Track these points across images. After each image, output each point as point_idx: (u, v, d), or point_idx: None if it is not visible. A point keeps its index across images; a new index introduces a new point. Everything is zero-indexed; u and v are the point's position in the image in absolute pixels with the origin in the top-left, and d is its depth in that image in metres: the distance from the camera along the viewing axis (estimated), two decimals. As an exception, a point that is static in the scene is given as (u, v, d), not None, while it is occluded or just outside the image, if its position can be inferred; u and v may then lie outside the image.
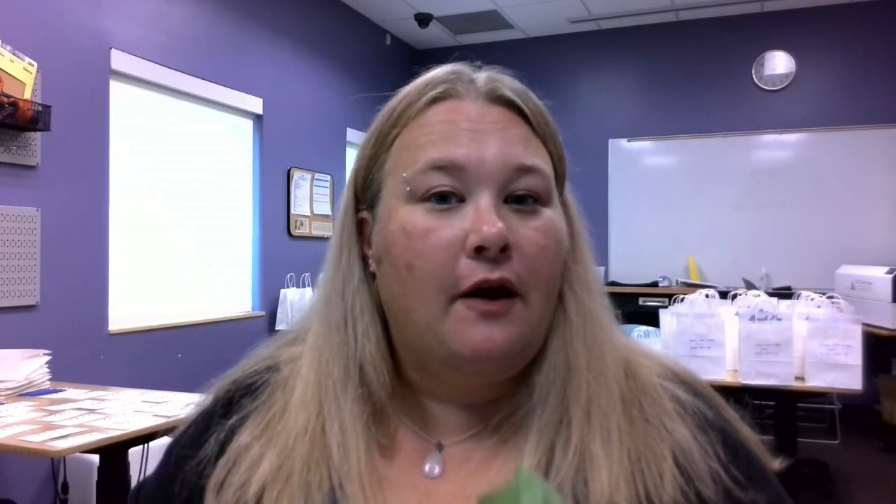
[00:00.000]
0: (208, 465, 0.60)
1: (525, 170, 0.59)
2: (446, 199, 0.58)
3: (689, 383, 0.65)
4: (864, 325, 2.99)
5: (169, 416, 2.19)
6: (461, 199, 0.58)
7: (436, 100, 0.62)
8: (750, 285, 5.31)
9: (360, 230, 0.65)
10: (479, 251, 0.55)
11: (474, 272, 0.55)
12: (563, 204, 0.66)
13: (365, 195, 0.66)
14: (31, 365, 2.63)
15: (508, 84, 0.63)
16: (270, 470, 0.57)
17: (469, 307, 0.55)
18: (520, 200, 0.59)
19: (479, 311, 0.55)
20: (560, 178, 0.65)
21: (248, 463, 0.58)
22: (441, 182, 0.58)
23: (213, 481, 0.59)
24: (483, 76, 0.64)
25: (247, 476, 0.58)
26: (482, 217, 0.56)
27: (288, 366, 0.64)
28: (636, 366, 0.63)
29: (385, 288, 0.61)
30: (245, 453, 0.59)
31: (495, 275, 0.55)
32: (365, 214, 0.65)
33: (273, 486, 0.57)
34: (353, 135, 6.03)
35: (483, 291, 0.56)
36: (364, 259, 0.64)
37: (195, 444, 0.62)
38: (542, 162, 0.61)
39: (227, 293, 4.70)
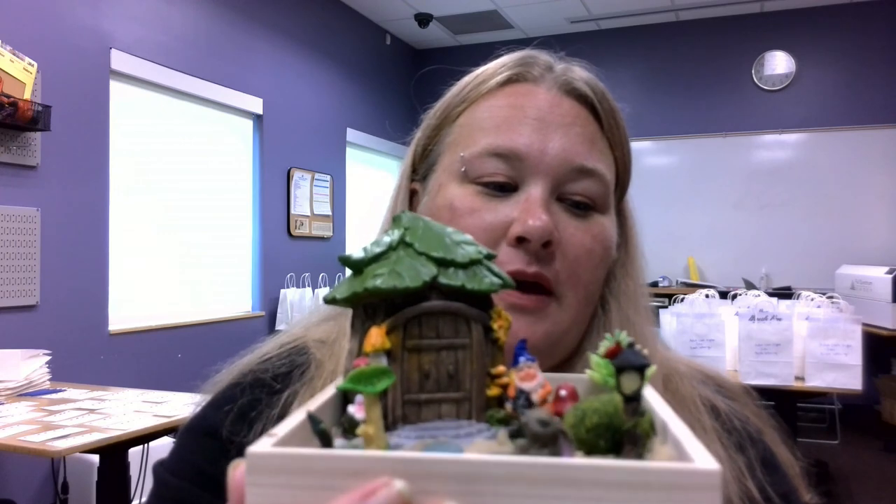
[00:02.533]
0: None
1: (585, 172, 0.57)
2: (499, 188, 0.57)
3: (734, 396, 0.62)
4: (864, 325, 2.99)
5: (169, 416, 2.19)
6: (514, 188, 0.57)
7: (509, 81, 0.60)
8: (750, 285, 5.31)
9: (412, 200, 0.64)
10: (520, 241, 0.54)
11: (511, 261, 0.54)
12: (621, 214, 0.64)
13: (421, 166, 0.64)
14: (31, 365, 2.64)
15: (585, 78, 0.61)
16: None
17: (499, 296, 0.55)
18: (574, 205, 0.57)
19: (509, 302, 0.53)
20: (621, 186, 0.63)
21: None
22: (497, 170, 0.56)
23: None
24: (562, 66, 0.61)
25: None
26: (529, 208, 0.54)
27: (320, 349, 0.61)
28: (677, 378, 0.61)
29: None
30: None
31: (532, 269, 0.54)
32: (417, 186, 0.64)
33: None
34: (353, 135, 6.03)
35: (518, 283, 0.53)
36: None
37: (243, 421, 0.58)
38: (604, 167, 0.58)
39: (227, 293, 4.70)
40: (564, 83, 0.60)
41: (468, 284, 0.33)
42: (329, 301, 0.33)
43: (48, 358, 2.72)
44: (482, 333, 0.34)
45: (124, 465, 2.17)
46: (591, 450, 0.29)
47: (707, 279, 5.96)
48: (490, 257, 0.35)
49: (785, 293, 4.60)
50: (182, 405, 2.36)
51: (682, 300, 3.37)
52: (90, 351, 3.56)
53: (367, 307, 0.34)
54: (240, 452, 0.55)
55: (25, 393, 2.56)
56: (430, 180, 0.62)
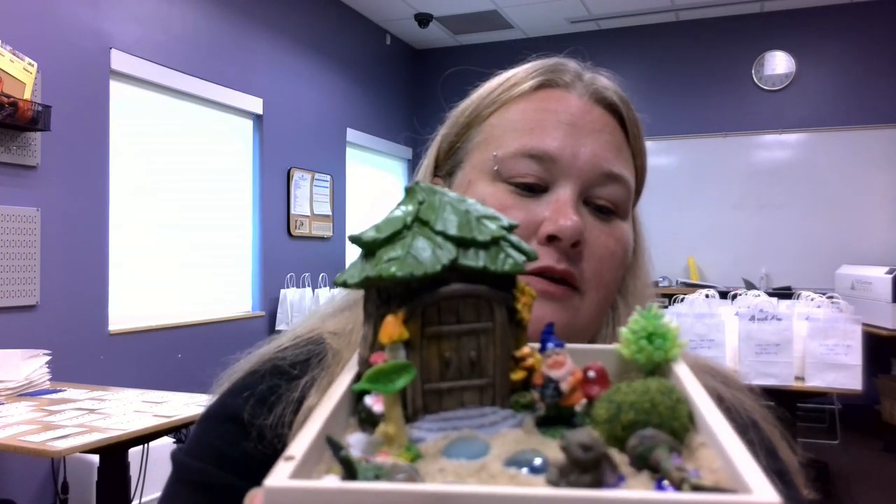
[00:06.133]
0: (285, 426, 0.58)
1: (612, 177, 0.60)
2: (529, 188, 0.59)
3: (739, 389, 0.64)
4: (864, 325, 2.99)
5: (169, 416, 2.19)
6: (544, 189, 0.59)
7: (541, 86, 0.62)
8: (750, 285, 5.31)
9: None
10: (550, 240, 0.56)
11: (542, 258, 0.56)
12: (633, 220, 0.67)
13: (445, 163, 0.66)
14: (31, 365, 2.64)
15: (614, 89, 0.64)
16: None
17: (529, 284, 0.55)
18: (599, 209, 0.60)
19: (539, 289, 0.55)
20: (637, 193, 0.66)
21: None
22: (530, 171, 0.59)
23: (292, 437, 0.55)
24: (589, 74, 0.64)
25: None
26: (560, 209, 0.57)
27: (336, 339, 0.62)
28: None
29: None
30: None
31: (561, 266, 0.56)
32: (440, 181, 0.66)
33: None
34: (353, 135, 6.03)
35: (545, 276, 0.56)
36: None
37: (264, 405, 0.60)
38: (629, 174, 0.62)
39: (227, 293, 4.70)
40: (595, 91, 0.62)
41: (490, 266, 0.31)
42: (339, 285, 0.32)
43: (48, 358, 2.72)
44: (505, 316, 0.32)
45: (124, 465, 2.17)
46: (625, 448, 0.28)
47: (707, 279, 5.96)
48: (512, 228, 0.34)
49: (785, 293, 4.60)
50: (182, 405, 2.36)
51: (682, 300, 3.37)
52: (90, 351, 3.56)
53: (380, 290, 0.33)
54: (260, 435, 0.58)
55: (25, 393, 2.56)
56: (456, 176, 0.64)
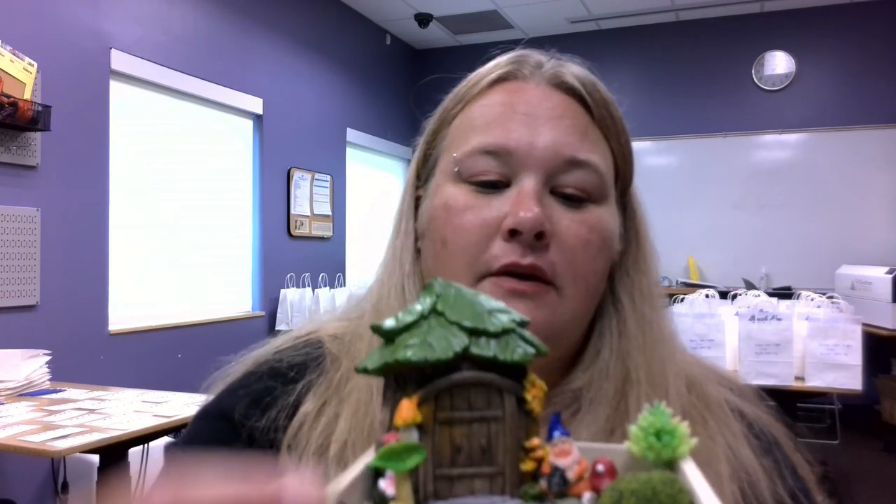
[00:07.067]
0: (278, 430, 0.58)
1: (576, 163, 0.56)
2: (492, 185, 0.57)
3: (749, 399, 0.63)
4: (864, 325, 2.99)
5: (169, 416, 2.19)
6: (507, 185, 0.57)
7: (500, 80, 0.60)
8: (750, 285, 5.31)
9: (417, 206, 0.64)
10: (513, 234, 0.54)
11: (506, 254, 0.54)
12: (626, 208, 0.63)
13: (423, 171, 0.65)
14: (31, 365, 2.64)
15: (575, 72, 0.61)
16: (348, 429, 0.55)
17: (497, 285, 0.54)
18: (568, 197, 0.57)
19: (507, 288, 0.54)
20: (623, 178, 0.62)
21: (323, 423, 0.56)
22: (488, 168, 0.57)
23: (286, 443, 0.57)
24: (552, 62, 0.62)
25: (325, 436, 0.56)
26: (521, 201, 0.54)
27: (334, 342, 0.62)
28: (702, 382, 0.60)
29: (424, 262, 0.60)
30: (317, 417, 0.57)
31: (526, 260, 0.54)
32: (421, 192, 0.64)
33: (353, 442, 0.55)
34: (353, 135, 6.03)
35: (514, 275, 0.54)
36: (416, 233, 0.63)
37: (257, 407, 0.59)
38: (598, 157, 0.58)
39: (227, 293, 4.70)
40: (552, 77, 0.60)
41: (500, 355, 0.33)
42: (361, 371, 0.33)
43: (48, 358, 2.72)
44: (515, 405, 0.33)
45: (124, 465, 2.17)
46: None
47: (707, 279, 5.96)
48: (524, 324, 0.35)
49: (785, 293, 4.60)
50: (182, 405, 2.36)
51: (682, 300, 3.37)
52: (90, 351, 3.56)
53: (397, 376, 0.34)
54: (251, 436, 0.58)
55: (25, 393, 2.56)
56: (430, 184, 0.62)
